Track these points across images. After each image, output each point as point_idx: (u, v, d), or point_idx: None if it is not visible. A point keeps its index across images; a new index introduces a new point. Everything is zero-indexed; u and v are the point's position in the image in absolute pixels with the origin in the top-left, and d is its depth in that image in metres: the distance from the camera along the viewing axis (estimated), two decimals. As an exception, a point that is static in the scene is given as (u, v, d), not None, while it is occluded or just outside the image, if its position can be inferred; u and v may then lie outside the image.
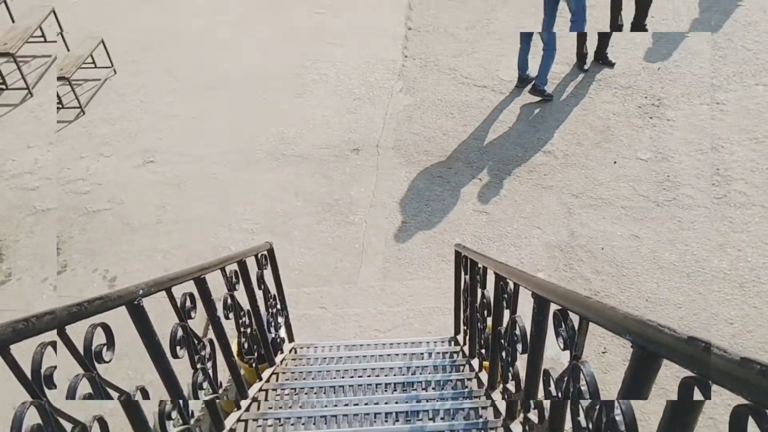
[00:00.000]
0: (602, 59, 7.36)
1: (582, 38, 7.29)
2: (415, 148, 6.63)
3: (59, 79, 7.30)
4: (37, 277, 5.43)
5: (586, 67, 7.37)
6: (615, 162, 6.18)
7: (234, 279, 2.96)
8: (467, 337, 3.95)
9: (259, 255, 3.58)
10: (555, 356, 3.75)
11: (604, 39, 7.28)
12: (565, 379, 1.62)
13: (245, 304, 3.31)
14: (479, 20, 8.36)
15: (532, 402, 2.26)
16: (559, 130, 6.63)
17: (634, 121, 6.61)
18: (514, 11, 8.38)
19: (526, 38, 7.02)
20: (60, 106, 7.45)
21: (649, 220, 5.58)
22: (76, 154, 6.85)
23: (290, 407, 3.30)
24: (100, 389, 1.70)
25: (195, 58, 8.32)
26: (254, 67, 8.03)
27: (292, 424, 3.10)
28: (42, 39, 8.04)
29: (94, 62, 7.96)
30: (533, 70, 7.15)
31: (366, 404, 3.27)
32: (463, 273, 3.92)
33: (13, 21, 7.93)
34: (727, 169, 5.78)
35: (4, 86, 7.39)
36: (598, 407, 1.40)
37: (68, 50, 7.95)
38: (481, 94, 7.27)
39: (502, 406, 2.88)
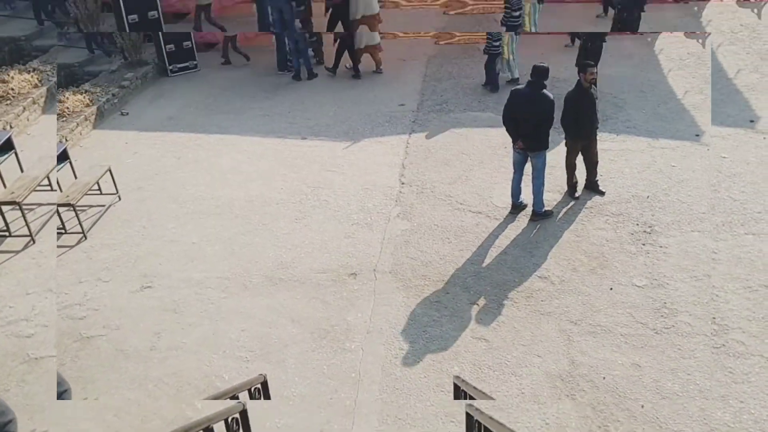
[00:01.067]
0: (592, 188, 7.63)
1: (571, 170, 7.59)
2: (412, 273, 6.68)
3: (63, 205, 7.50)
4: (25, 429, 5.21)
5: (577, 194, 7.62)
6: (611, 289, 6.20)
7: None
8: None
9: (253, 389, 3.50)
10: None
11: (592, 170, 7.59)
12: None
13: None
14: (460, 176, 8.52)
15: None
16: (554, 256, 6.72)
17: (627, 248, 6.72)
18: (489, 170, 8.59)
19: (519, 168, 7.31)
20: (62, 231, 7.59)
21: (649, 348, 5.50)
22: (75, 279, 6.87)
23: None
24: None
25: (200, 186, 8.59)
26: (256, 195, 8.26)
27: None
28: (98, 192, 8.25)
29: (99, 189, 8.21)
30: (526, 196, 7.39)
31: None
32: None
33: (75, 177, 8.23)
34: (724, 318, 5.74)
35: (63, 230, 7.50)
36: None
37: (75, 177, 8.23)
38: (477, 219, 7.45)
39: None
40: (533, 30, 11.36)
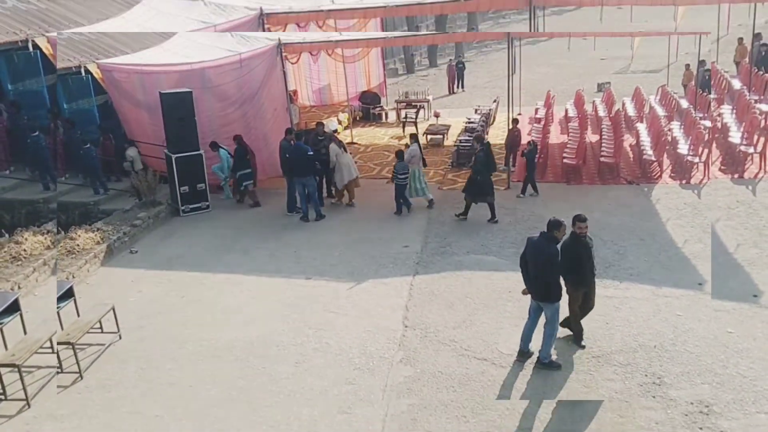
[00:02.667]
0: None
1: (576, 317, 7.54)
2: (413, 425, 6.40)
3: (63, 344, 7.41)
4: None
5: (583, 343, 7.50)
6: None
7: None
8: None
9: None
10: None
11: (584, 315, 7.56)
12: None
13: None
14: (464, 320, 8.42)
15: None
16: (562, 408, 6.46)
17: (637, 401, 6.47)
18: (494, 314, 8.54)
19: (533, 314, 7.26)
20: (59, 370, 7.43)
21: None
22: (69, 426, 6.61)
23: None
24: None
25: (202, 326, 8.53)
26: (257, 336, 8.16)
27: None
28: (100, 330, 8.19)
29: (101, 327, 8.15)
30: (536, 344, 7.25)
31: None
32: None
33: (78, 314, 8.22)
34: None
35: (60, 369, 7.24)
36: None
37: (78, 315, 8.21)
38: (482, 367, 7.26)
39: None
40: (418, 195, 12.38)
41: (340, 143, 13.15)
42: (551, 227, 7.00)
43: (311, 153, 12.15)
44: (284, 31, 17.74)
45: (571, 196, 12.62)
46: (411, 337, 7.96)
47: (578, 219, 7.23)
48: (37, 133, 13.60)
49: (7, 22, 15.00)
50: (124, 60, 15.67)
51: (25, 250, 9.98)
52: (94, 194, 13.88)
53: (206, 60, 14.25)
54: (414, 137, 13.15)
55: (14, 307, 7.71)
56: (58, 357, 7.45)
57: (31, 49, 14.10)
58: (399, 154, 12.42)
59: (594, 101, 19.62)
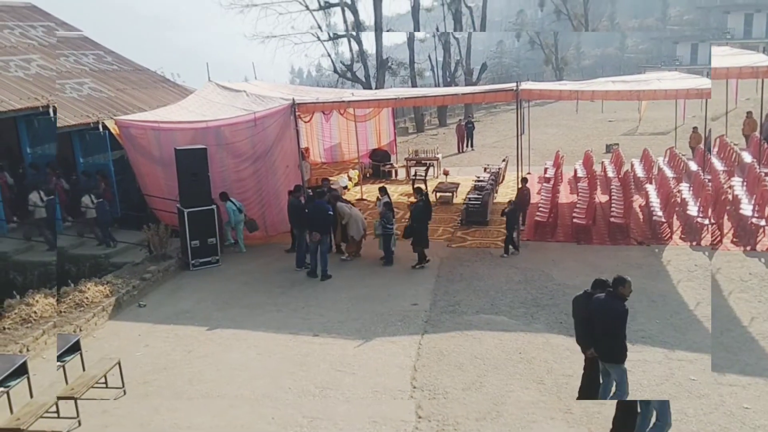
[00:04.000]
0: None
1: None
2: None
3: (66, 398, 7.32)
4: None
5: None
6: None
7: None
8: None
9: None
10: None
11: None
12: None
13: None
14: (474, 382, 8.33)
15: None
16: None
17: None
18: (504, 375, 8.51)
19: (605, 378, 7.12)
20: None
21: None
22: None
23: None
24: None
25: (206, 382, 8.42)
26: (262, 395, 8.02)
27: None
28: (104, 385, 8.11)
29: (106, 382, 8.06)
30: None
31: None
32: None
33: (84, 368, 8.21)
34: None
35: None
36: None
37: (84, 369, 8.14)
38: None
39: None
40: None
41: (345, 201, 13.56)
42: (617, 284, 6.83)
43: (331, 212, 12.29)
44: (311, 119, 20.34)
45: (582, 255, 12.58)
46: (420, 399, 7.78)
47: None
48: (102, 199, 14.22)
49: (81, 107, 16.65)
50: (140, 117, 16.16)
51: (87, 298, 10.43)
52: (104, 247, 14.04)
53: (222, 118, 14.64)
54: (383, 189, 13.89)
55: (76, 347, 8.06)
56: (58, 411, 7.30)
57: (100, 129, 15.45)
58: (387, 204, 12.91)
59: (603, 162, 19.81)
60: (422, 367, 8.55)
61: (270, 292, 11.63)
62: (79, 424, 7.36)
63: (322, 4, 35.62)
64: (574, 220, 13.91)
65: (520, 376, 8.15)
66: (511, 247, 12.81)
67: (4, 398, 7.14)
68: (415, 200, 12.76)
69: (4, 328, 9.52)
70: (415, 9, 36.77)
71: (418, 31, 37.95)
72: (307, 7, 35.38)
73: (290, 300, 11.18)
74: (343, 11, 35.66)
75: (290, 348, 9.31)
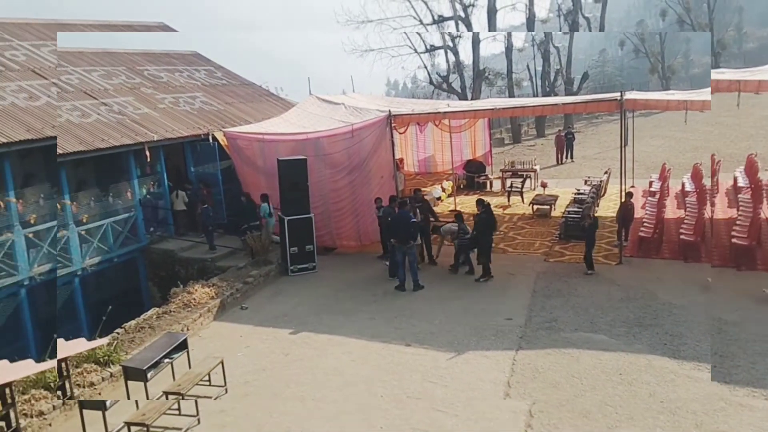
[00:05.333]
0: None
1: None
2: None
3: (173, 394, 7.75)
4: None
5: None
6: None
7: None
8: None
9: None
10: None
11: None
12: None
13: None
14: (569, 401, 7.89)
15: None
16: None
17: None
18: (602, 396, 8.04)
19: None
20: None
21: None
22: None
23: None
24: None
25: (302, 385, 8.67)
26: (354, 406, 8.14)
27: None
28: (208, 383, 8.61)
29: (209, 380, 8.50)
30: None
31: None
32: None
33: (189, 366, 8.81)
34: None
35: None
36: None
37: (189, 367, 8.63)
38: (588, 454, 6.79)
39: None
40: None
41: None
42: None
43: (414, 221, 12.32)
44: (406, 130, 20.73)
45: (689, 274, 11.83)
46: (521, 416, 7.59)
47: None
48: (206, 205, 15.35)
49: (193, 119, 18.19)
50: (247, 129, 17.01)
51: (194, 299, 11.39)
52: (209, 250, 14.91)
53: (321, 130, 15.12)
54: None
55: (183, 346, 8.84)
56: (197, 406, 7.82)
57: (210, 140, 16.54)
58: (458, 218, 13.26)
59: (735, 173, 18.20)
60: (516, 383, 8.35)
61: (363, 299, 11.82)
62: (199, 423, 7.78)
63: (436, 18, 35.89)
64: (681, 237, 13.10)
65: (618, 398, 7.77)
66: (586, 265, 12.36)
67: (169, 368, 8.52)
68: (478, 212, 12.70)
69: (170, 311, 11.07)
70: (530, 21, 36.37)
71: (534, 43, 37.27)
72: (421, 21, 35.84)
73: (383, 308, 11.31)
74: (457, 24, 35.86)
75: (383, 356, 9.41)
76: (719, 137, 26.40)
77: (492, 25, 34.91)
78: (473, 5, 35.15)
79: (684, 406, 7.44)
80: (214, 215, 15.43)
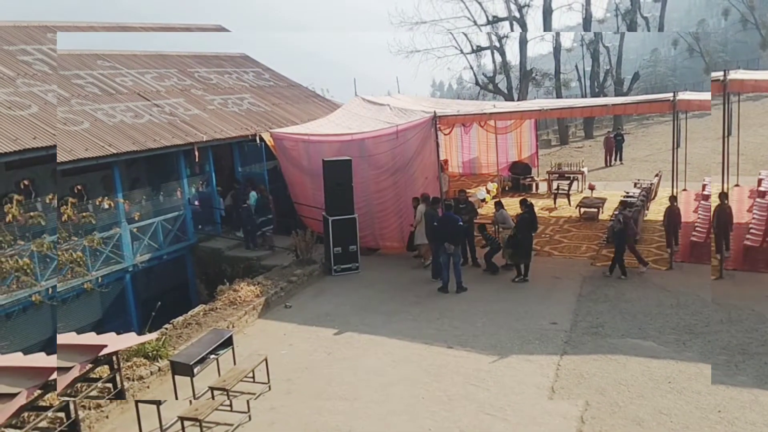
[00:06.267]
0: None
1: None
2: None
3: (218, 389, 7.92)
4: None
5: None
6: None
7: None
8: None
9: None
10: None
11: None
12: None
13: None
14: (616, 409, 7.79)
15: None
16: None
17: None
18: (651, 403, 7.85)
19: None
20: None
21: None
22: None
23: None
24: None
25: (344, 384, 8.73)
26: (395, 407, 8.14)
27: None
28: (252, 379, 8.77)
29: (253, 377, 8.65)
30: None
31: None
32: None
33: (234, 362, 9.03)
34: None
35: None
36: None
37: (234, 363, 8.80)
38: (635, 463, 6.61)
39: None
40: None
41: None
42: None
43: (461, 223, 12.24)
44: (451, 131, 20.69)
45: (748, 283, 11.38)
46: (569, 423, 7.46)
47: None
48: (246, 204, 15.61)
49: (241, 120, 18.53)
50: (293, 129, 17.24)
51: (240, 297, 11.61)
52: (248, 249, 15.29)
53: (365, 131, 15.19)
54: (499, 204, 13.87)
55: (228, 342, 8.99)
56: (248, 403, 7.96)
57: (258, 141, 16.96)
58: (497, 204, 13.65)
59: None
60: (561, 389, 8.20)
61: (405, 300, 11.81)
62: (250, 419, 7.91)
63: (491, 18, 35.52)
64: (746, 243, 12.53)
65: (667, 408, 7.52)
66: (618, 270, 12.08)
67: (214, 363, 8.67)
68: (522, 211, 12.70)
69: (216, 308, 11.28)
70: (587, 21, 35.83)
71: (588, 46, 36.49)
72: (475, 22, 35.48)
73: (425, 310, 11.28)
74: (511, 24, 35.46)
75: (424, 357, 9.38)
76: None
77: (547, 26, 34.39)
78: (529, 5, 34.59)
79: (742, 417, 7.16)
80: (258, 214, 15.59)
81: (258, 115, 19.27)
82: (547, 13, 34.07)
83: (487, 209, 17.86)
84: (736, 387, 7.82)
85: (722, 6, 51.00)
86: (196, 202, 16.97)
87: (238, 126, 17.73)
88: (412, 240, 13.92)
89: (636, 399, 7.80)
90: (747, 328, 9.45)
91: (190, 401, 7.99)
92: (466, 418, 7.67)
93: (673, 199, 13.09)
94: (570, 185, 19.21)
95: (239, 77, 22.24)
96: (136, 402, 7.73)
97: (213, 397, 8.06)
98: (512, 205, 18.18)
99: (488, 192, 19.82)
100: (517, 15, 34.87)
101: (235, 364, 8.86)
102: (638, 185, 18.10)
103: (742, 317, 9.86)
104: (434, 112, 14.21)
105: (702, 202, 15.61)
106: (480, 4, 35.08)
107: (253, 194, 15.66)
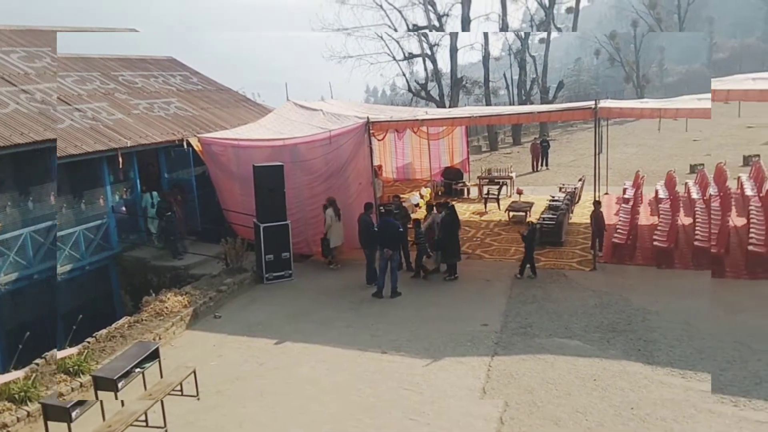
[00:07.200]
0: None
1: None
2: None
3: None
4: None
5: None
6: None
7: None
8: None
9: None
10: None
11: None
12: None
13: None
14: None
15: None
16: None
17: None
18: (577, 403, 8.10)
19: None
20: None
21: None
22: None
23: None
24: None
25: (276, 395, 8.56)
26: (331, 411, 8.07)
27: None
28: (180, 392, 8.43)
29: (181, 390, 8.35)
30: None
31: None
32: None
33: (161, 376, 8.66)
34: None
35: None
36: None
37: (161, 376, 8.48)
38: (563, 460, 6.80)
39: None
40: None
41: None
42: None
43: (401, 230, 12.32)
44: (385, 137, 20.96)
45: (662, 281, 11.98)
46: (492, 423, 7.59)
47: None
48: (170, 213, 15.11)
49: (168, 125, 17.87)
50: (222, 134, 16.86)
51: (167, 308, 11.21)
52: (180, 259, 14.85)
53: (298, 136, 15.03)
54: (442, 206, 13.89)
55: (155, 355, 8.71)
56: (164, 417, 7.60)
57: (185, 146, 16.49)
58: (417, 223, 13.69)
59: (687, 183, 18.81)
60: (492, 390, 8.35)
61: (340, 306, 11.74)
62: None
63: (411, 27, 36.69)
64: (655, 243, 13.26)
65: (592, 404, 7.80)
66: (529, 270, 12.61)
67: (140, 378, 8.47)
68: (441, 212, 13.19)
69: (142, 320, 10.86)
70: (486, 58, 38.04)
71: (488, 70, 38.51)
72: (393, 57, 37.06)
73: (359, 316, 11.24)
74: (424, 61, 37.16)
75: (358, 364, 9.34)
76: (643, 157, 27.44)
77: (453, 47, 35.61)
78: (447, 15, 35.68)
79: (654, 413, 7.50)
80: (184, 222, 15.16)
81: (185, 120, 18.74)
82: (466, 22, 34.96)
83: (420, 214, 18.02)
84: (607, 359, 8.90)
85: (594, 47, 58.99)
86: (123, 209, 16.28)
87: (164, 131, 17.18)
88: (327, 245, 13.94)
89: (560, 397, 8.03)
90: (616, 311, 10.64)
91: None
92: (390, 424, 7.68)
93: (597, 204, 13.59)
94: (499, 190, 19.68)
95: (166, 81, 21.57)
96: (44, 415, 7.27)
97: (146, 418, 7.62)
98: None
99: (422, 197, 20.03)
100: (437, 24, 35.66)
101: (162, 377, 8.52)
102: (563, 189, 18.74)
103: (612, 302, 11.06)
104: (368, 117, 14.22)
105: (623, 205, 16.34)
106: (400, 12, 35.74)
107: (147, 197, 15.68)
